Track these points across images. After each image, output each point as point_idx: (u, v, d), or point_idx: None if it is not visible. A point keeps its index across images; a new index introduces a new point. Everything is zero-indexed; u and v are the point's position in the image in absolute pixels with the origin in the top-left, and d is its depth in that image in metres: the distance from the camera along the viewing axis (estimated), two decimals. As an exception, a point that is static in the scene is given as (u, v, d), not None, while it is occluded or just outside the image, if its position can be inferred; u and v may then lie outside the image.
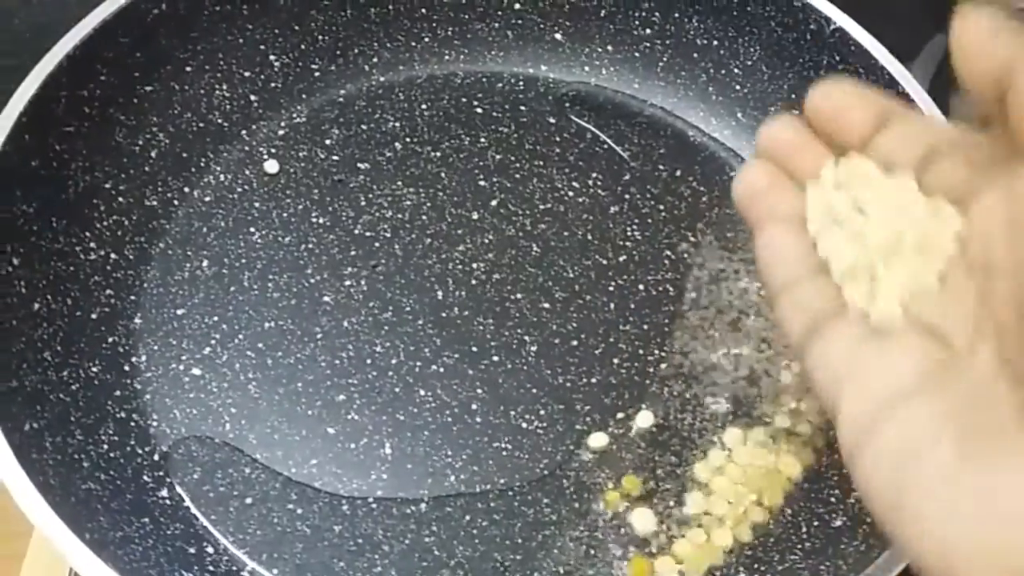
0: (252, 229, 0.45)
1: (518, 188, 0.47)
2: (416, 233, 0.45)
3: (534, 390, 0.40)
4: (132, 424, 0.39)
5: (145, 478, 0.37)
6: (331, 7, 0.49)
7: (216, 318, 0.42)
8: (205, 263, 0.43)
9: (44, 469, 0.33)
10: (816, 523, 0.37)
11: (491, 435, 0.39)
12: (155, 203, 0.44)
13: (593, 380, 0.41)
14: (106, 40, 0.42)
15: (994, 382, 0.21)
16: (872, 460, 0.22)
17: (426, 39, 0.51)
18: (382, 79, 0.50)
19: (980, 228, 0.23)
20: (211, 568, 0.36)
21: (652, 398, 0.41)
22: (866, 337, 0.24)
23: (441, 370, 0.41)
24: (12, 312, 0.37)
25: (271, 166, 0.47)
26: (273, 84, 0.48)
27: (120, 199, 0.43)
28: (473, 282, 0.44)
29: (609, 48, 0.51)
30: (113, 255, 0.42)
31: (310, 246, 0.44)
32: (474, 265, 0.44)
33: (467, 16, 0.51)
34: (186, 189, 0.45)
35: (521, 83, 0.51)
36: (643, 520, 0.37)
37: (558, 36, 0.51)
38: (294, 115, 0.49)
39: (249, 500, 0.37)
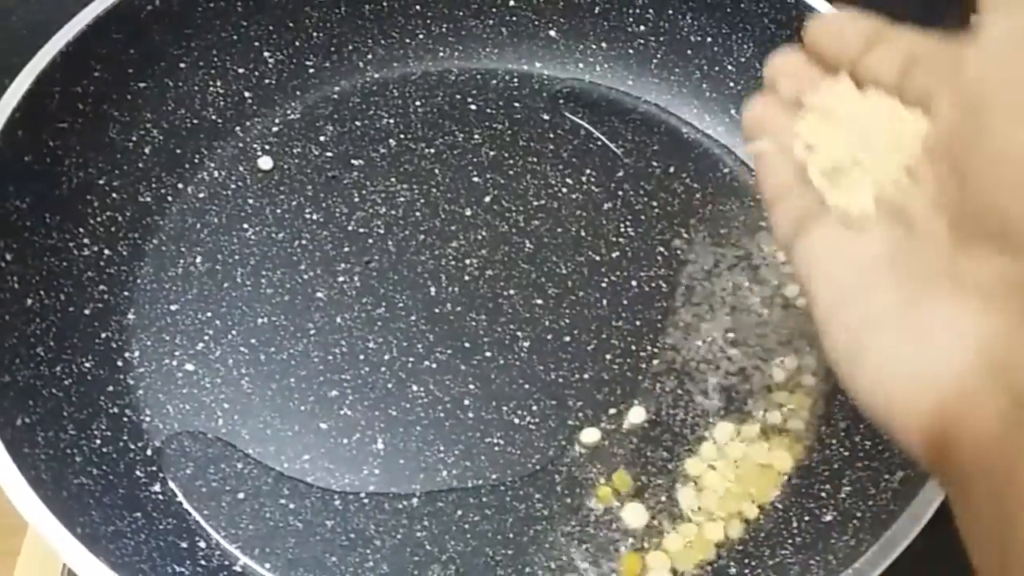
0: (246, 225, 0.45)
1: (512, 184, 0.47)
2: (409, 229, 0.45)
3: (526, 386, 0.41)
4: (125, 419, 0.39)
5: (138, 473, 0.37)
6: (325, 4, 0.49)
7: (209, 314, 0.42)
8: (199, 259, 0.43)
9: (36, 464, 0.33)
10: (807, 518, 0.37)
11: (483, 430, 0.39)
12: (149, 199, 0.44)
13: (585, 376, 0.41)
14: (100, 36, 0.42)
15: (938, 238, 0.25)
16: (836, 328, 0.26)
17: (420, 36, 0.51)
18: (376, 76, 0.50)
19: (940, 124, 0.26)
20: (203, 563, 0.36)
21: (644, 394, 0.41)
22: (842, 231, 0.27)
23: (434, 366, 0.41)
24: (5, 307, 0.37)
25: (265, 162, 0.47)
26: (267, 80, 0.48)
27: (114, 195, 0.43)
28: (466, 278, 0.44)
29: (603, 45, 0.51)
30: (106, 251, 0.42)
31: (303, 242, 0.44)
32: (467, 261, 0.44)
33: (461, 13, 0.51)
34: (180, 185, 0.45)
35: (515, 80, 0.51)
36: (635, 515, 0.38)
37: (552, 33, 0.51)
38: (288, 111, 0.49)
39: (241, 495, 0.38)
